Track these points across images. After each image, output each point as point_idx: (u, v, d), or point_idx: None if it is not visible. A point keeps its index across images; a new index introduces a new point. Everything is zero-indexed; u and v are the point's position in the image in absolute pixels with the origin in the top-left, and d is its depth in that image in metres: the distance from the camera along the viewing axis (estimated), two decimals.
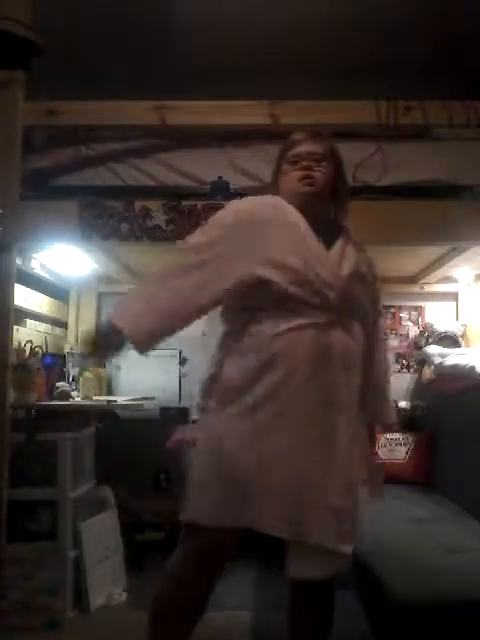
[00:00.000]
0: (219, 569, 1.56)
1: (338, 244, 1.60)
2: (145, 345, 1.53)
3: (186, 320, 1.53)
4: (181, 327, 1.53)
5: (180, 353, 3.77)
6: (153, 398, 3.37)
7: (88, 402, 3.01)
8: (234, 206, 1.62)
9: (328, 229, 1.62)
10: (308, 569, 1.50)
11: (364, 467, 1.61)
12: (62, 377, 3.28)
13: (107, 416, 3.22)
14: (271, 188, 1.71)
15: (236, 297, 1.55)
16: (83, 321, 3.82)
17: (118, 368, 3.83)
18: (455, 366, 3.01)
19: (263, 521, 1.44)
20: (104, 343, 1.58)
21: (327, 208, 1.67)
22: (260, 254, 1.51)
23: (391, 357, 3.78)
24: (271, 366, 1.48)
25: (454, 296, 3.79)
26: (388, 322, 3.82)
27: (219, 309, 1.63)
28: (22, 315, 3.03)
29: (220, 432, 1.51)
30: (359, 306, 1.60)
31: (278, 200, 1.62)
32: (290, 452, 1.46)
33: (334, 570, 1.51)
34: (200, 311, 1.54)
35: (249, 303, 1.55)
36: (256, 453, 1.46)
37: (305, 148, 1.63)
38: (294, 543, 1.48)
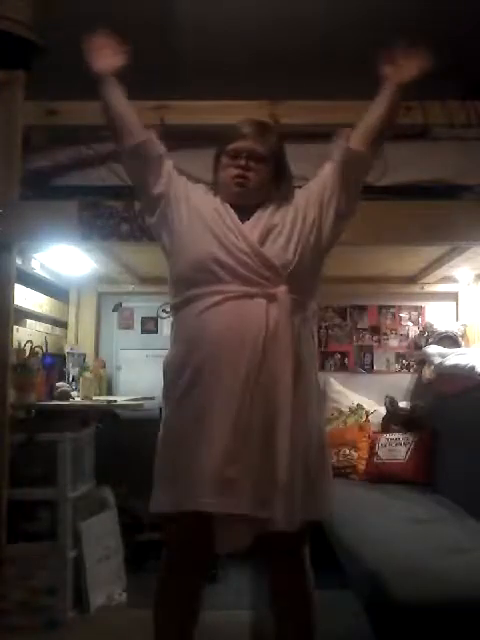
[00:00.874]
0: (189, 559, 1.58)
1: (257, 212, 1.61)
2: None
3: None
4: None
5: None
6: (153, 398, 3.36)
7: (88, 402, 3.02)
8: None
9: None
10: (228, 540, 1.51)
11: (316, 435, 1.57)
12: (62, 377, 3.28)
13: (107, 416, 3.22)
14: (214, 173, 1.72)
15: (171, 280, 1.65)
16: (83, 321, 3.82)
17: (118, 368, 3.83)
18: (455, 366, 3.01)
19: (176, 504, 1.49)
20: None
21: (260, 203, 1.64)
22: (196, 197, 1.65)
23: (391, 357, 3.79)
24: (195, 348, 1.53)
25: (454, 296, 3.79)
26: (388, 322, 3.82)
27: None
28: (22, 315, 3.03)
29: (163, 422, 1.60)
30: (285, 268, 1.54)
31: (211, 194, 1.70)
32: (201, 429, 1.48)
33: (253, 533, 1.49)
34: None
35: (179, 287, 1.61)
36: (180, 436, 1.52)
37: (248, 144, 1.62)
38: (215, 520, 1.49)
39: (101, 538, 2.64)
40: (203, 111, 2.45)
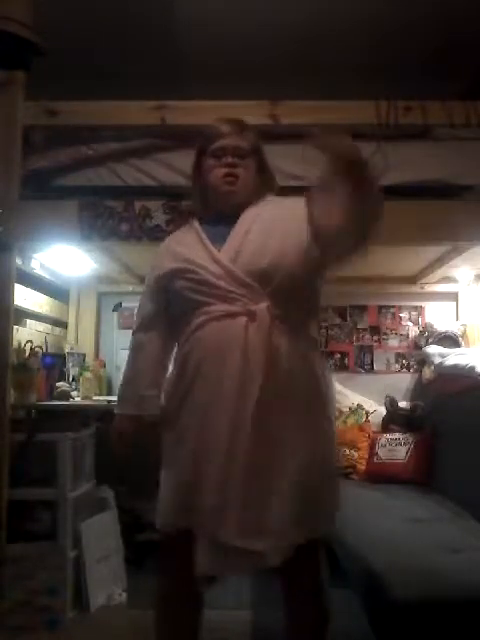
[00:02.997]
0: (176, 571, 1.56)
1: (234, 228, 1.57)
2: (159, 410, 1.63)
3: (167, 353, 1.67)
4: (168, 361, 1.68)
5: None
6: None
7: (88, 402, 3.02)
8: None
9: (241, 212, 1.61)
10: (213, 565, 1.45)
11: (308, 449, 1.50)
12: (62, 377, 3.28)
13: (107, 416, 3.22)
14: (194, 180, 1.69)
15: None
16: (83, 321, 3.82)
17: (118, 368, 3.83)
18: (455, 366, 3.01)
19: (162, 521, 1.52)
20: (141, 440, 1.66)
21: (247, 200, 1.62)
22: (162, 267, 1.61)
23: (391, 357, 3.79)
24: (183, 373, 1.54)
25: (454, 296, 3.79)
26: (388, 322, 3.82)
27: None
28: (22, 315, 3.03)
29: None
30: (261, 280, 1.50)
31: (186, 226, 1.70)
32: (193, 451, 1.48)
33: (249, 566, 1.46)
34: (166, 338, 1.66)
35: (173, 313, 1.63)
36: (170, 456, 1.55)
37: (231, 142, 1.60)
38: (200, 540, 1.45)
39: (101, 538, 2.64)
40: (203, 111, 2.44)
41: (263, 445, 1.43)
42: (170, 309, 1.64)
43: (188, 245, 1.61)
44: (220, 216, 1.63)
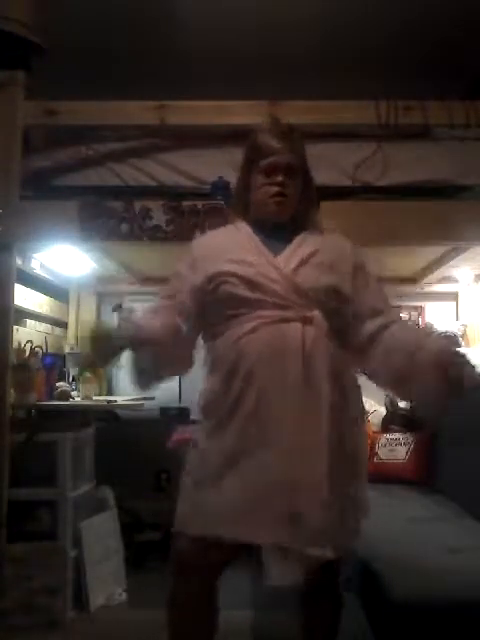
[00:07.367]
0: (202, 574, 1.54)
1: (294, 242, 1.58)
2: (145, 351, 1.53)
3: (176, 333, 1.54)
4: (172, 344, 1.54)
5: None
6: (153, 398, 3.35)
7: (88, 402, 3.01)
8: (193, 242, 1.70)
9: (292, 229, 1.61)
10: (278, 576, 1.44)
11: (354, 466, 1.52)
12: (62, 377, 3.28)
13: (107, 416, 3.22)
14: (240, 193, 1.68)
15: (203, 312, 1.59)
16: (83, 321, 3.82)
17: (118, 368, 3.83)
18: None
19: (217, 529, 1.42)
20: (105, 345, 1.63)
21: (293, 215, 1.63)
22: (214, 265, 1.56)
23: None
24: (233, 376, 1.48)
25: (454, 296, 3.78)
26: None
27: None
28: (22, 315, 3.03)
29: (197, 446, 1.55)
30: (318, 296, 1.52)
31: (231, 226, 1.67)
32: (245, 456, 1.44)
33: (307, 571, 1.44)
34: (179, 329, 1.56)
35: (214, 316, 1.58)
36: (218, 462, 1.47)
37: (283, 159, 1.57)
38: (265, 551, 1.44)
39: (101, 538, 2.64)
40: (203, 111, 2.45)
41: (331, 451, 1.44)
42: (207, 314, 1.59)
43: (241, 246, 1.58)
44: (264, 227, 1.61)
